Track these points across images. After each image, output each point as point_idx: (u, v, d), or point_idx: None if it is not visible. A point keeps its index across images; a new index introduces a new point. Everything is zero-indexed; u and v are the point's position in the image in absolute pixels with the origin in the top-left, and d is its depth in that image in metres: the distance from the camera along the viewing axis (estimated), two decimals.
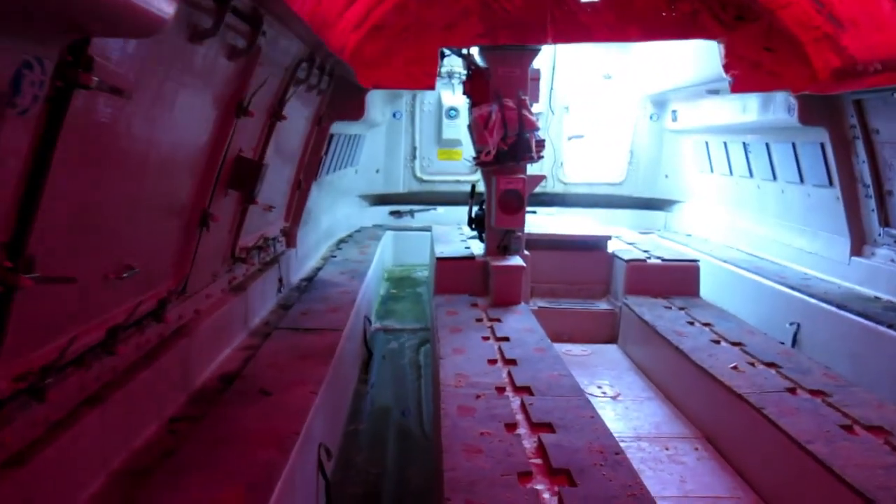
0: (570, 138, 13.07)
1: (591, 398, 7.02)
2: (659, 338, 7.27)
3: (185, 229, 4.40)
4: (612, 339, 8.97)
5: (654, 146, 13.07)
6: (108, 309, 3.44)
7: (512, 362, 6.01)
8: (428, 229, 12.60)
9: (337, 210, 11.65)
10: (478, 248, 9.34)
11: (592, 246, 9.67)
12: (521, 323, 7.31)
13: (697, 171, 12.19)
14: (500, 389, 5.40)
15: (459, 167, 13.23)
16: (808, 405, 5.27)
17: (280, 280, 7.31)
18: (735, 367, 6.08)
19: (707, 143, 11.52)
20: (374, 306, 9.97)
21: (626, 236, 11.13)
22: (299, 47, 5.40)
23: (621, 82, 12.81)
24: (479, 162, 8.56)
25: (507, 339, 6.69)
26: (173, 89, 3.45)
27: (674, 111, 12.31)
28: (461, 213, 12.91)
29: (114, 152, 3.10)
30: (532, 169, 9.16)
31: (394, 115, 12.90)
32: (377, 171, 13.10)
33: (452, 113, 12.88)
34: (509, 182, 8.47)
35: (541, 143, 8.78)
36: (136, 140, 3.27)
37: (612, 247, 9.77)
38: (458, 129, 12.88)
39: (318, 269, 9.03)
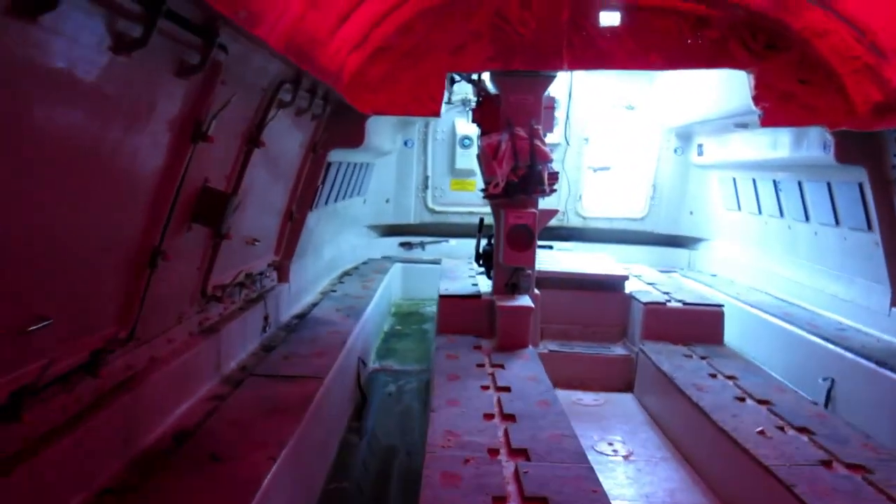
0: (595, 170, 12.47)
1: (599, 457, 6.40)
2: (677, 391, 6.61)
3: (131, 269, 3.86)
4: (627, 388, 8.30)
5: (679, 181, 12.43)
6: (9, 369, 2.89)
7: (510, 418, 5.39)
8: (439, 262, 12.06)
9: (342, 241, 11.13)
10: (486, 285, 8.75)
11: (609, 286, 9.03)
12: (525, 370, 6.69)
13: (724, 208, 11.53)
14: (493, 452, 4.78)
15: (473, 198, 12.61)
16: (846, 484, 4.58)
17: (266, 318, 6.77)
18: (762, 432, 5.40)
19: (735, 179, 10.88)
20: (375, 345, 9.39)
21: (646, 275, 10.48)
22: (279, 67, 4.89)
23: (644, 113, 12.22)
24: (488, 194, 8.01)
25: (508, 389, 6.08)
26: (99, 106, 2.94)
27: (699, 145, 11.69)
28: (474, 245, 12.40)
29: (17, 180, 2.58)
30: (545, 203, 8.59)
31: (405, 144, 12.42)
32: (387, 201, 12.59)
33: (466, 142, 12.36)
34: (519, 216, 7.89)
35: (554, 176, 8.21)
36: (51, 163, 2.75)
37: (629, 287, 9.12)
38: (472, 158, 12.25)
39: (315, 304, 8.48)
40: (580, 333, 8.93)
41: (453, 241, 12.80)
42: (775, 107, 7.46)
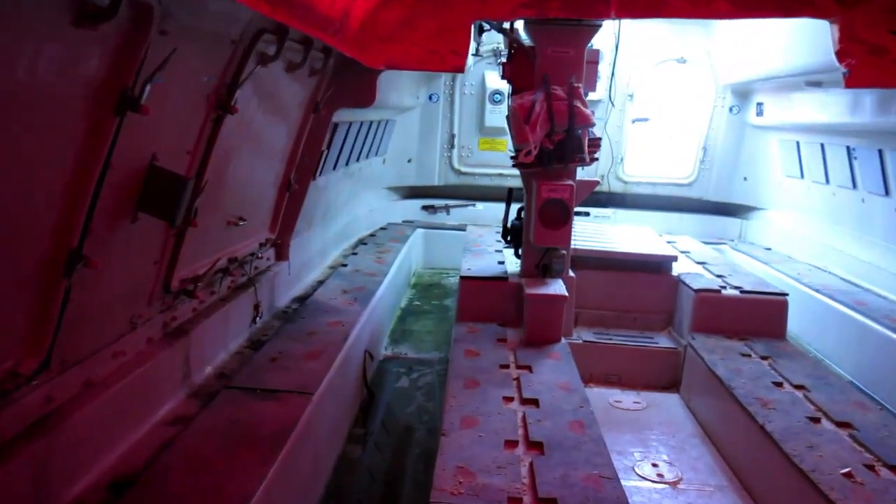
0: (633, 121, 11.24)
1: (641, 483, 5.46)
2: (736, 404, 5.58)
3: (42, 279, 2.92)
4: (672, 385, 7.30)
5: (733, 143, 11.16)
6: None
7: (537, 447, 4.44)
8: (464, 229, 11.04)
9: (357, 205, 10.14)
10: (514, 263, 7.75)
11: (653, 268, 7.95)
12: (557, 374, 5.71)
13: (784, 174, 10.29)
14: (515, 502, 3.84)
15: (503, 159, 11.47)
16: None
17: (256, 307, 5.85)
18: (849, 475, 4.38)
19: (798, 143, 9.62)
20: (388, 328, 8.45)
21: (693, 250, 9.36)
22: (254, 13, 3.85)
23: (698, 67, 10.92)
24: (518, 163, 6.93)
25: (535, 402, 5.11)
26: None
27: (759, 104, 10.40)
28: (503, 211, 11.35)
29: None
30: (584, 173, 7.50)
31: (430, 98, 11.29)
32: (409, 161, 11.53)
33: (497, 97, 11.20)
34: (553, 189, 6.82)
35: (595, 143, 7.09)
36: None
37: (677, 268, 8.03)
38: (503, 116, 11.19)
39: (321, 282, 7.55)
40: (619, 320, 7.90)
41: (480, 206, 11.77)
42: (863, 64, 6.19)
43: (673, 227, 11.29)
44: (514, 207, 7.64)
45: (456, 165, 11.67)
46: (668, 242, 9.62)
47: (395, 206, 11.70)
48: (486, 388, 5.36)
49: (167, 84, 3.28)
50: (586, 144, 6.90)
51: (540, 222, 6.84)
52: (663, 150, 11.44)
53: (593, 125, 6.93)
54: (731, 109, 11.01)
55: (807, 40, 7.65)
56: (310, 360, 5.21)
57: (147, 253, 3.94)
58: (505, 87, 11.02)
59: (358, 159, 8.81)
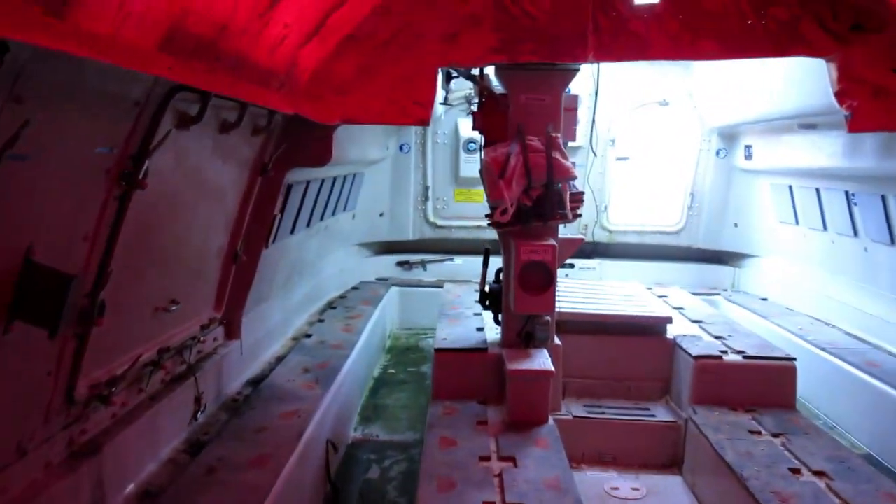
0: (617, 159, 10.64)
1: None
2: (750, 499, 4.85)
3: None
4: (673, 463, 6.56)
5: (721, 188, 10.60)
6: None
7: None
8: (441, 286, 10.34)
9: (325, 265, 9.44)
10: (494, 329, 7.05)
11: (647, 331, 7.27)
12: (546, 468, 4.96)
13: (777, 220, 9.71)
14: None
15: (481, 210, 10.82)
16: None
17: (198, 400, 5.08)
18: None
19: (791, 187, 9.07)
20: (359, 405, 7.66)
21: (687, 305, 8.70)
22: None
23: (681, 109, 10.39)
24: (494, 222, 6.27)
25: None
26: None
27: (748, 147, 9.86)
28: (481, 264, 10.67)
29: None
30: (566, 229, 6.86)
31: (400, 149, 10.67)
32: (381, 215, 10.86)
33: (472, 146, 10.61)
34: (533, 251, 6.15)
35: (578, 197, 6.45)
36: None
37: (672, 329, 7.35)
38: (478, 164, 10.58)
39: (281, 358, 6.80)
40: (612, 390, 7.18)
41: (459, 260, 11.11)
42: (867, 106, 5.65)
43: (662, 278, 10.67)
44: (494, 266, 6.96)
45: (431, 218, 11.02)
46: (660, 297, 8.97)
47: (368, 263, 11.00)
48: (464, 489, 4.62)
49: (41, 161, 2.59)
50: (568, 199, 6.27)
51: (520, 287, 6.15)
52: (649, 197, 10.86)
53: (574, 178, 6.30)
54: (717, 153, 10.47)
55: (799, 80, 7.12)
56: (255, 468, 4.44)
57: (36, 364, 3.21)
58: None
59: (322, 218, 8.13)
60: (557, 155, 6.21)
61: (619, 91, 10.07)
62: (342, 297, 9.67)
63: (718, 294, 10.39)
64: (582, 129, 8.76)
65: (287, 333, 7.64)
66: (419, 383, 8.50)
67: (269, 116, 5.04)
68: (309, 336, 7.56)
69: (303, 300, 8.37)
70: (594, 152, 8.72)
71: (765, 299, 9.99)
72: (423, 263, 11.08)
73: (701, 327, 7.70)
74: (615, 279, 10.38)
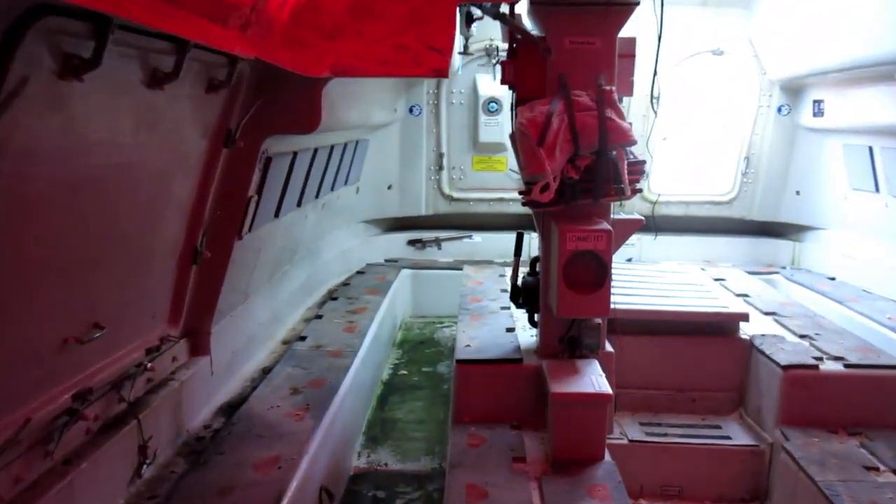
0: (664, 139, 9.22)
1: None
2: None
3: None
4: (754, 497, 5.29)
5: (782, 151, 9.14)
6: None
7: None
8: (459, 268, 9.04)
9: (325, 248, 8.13)
10: (528, 330, 5.75)
11: (716, 330, 5.93)
12: None
13: (851, 187, 8.27)
14: None
15: (503, 180, 9.57)
16: None
17: (143, 449, 3.80)
18: None
19: (871, 148, 7.62)
20: (363, 422, 6.38)
21: (751, 290, 7.35)
22: None
23: (737, 59, 8.90)
24: (529, 200, 4.91)
25: None
26: None
27: (817, 102, 8.38)
28: (507, 242, 9.33)
29: None
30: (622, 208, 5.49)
31: (410, 111, 9.25)
32: (389, 188, 9.49)
33: (493, 106, 9.18)
34: (583, 237, 4.80)
35: (637, 167, 5.07)
36: None
37: (746, 326, 6.01)
38: (502, 127, 9.21)
39: (267, 371, 5.52)
40: (673, 403, 5.88)
41: (478, 237, 9.76)
42: None
43: (710, 254, 9.33)
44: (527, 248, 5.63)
45: (446, 190, 9.64)
46: (717, 280, 7.63)
47: (375, 242, 9.65)
48: None
49: None
50: (625, 170, 4.89)
51: (565, 284, 4.80)
52: (697, 163, 9.40)
53: (633, 143, 4.92)
54: (779, 110, 8.99)
55: (889, 20, 5.71)
56: None
57: None
58: (504, 93, 9.03)
59: (318, 195, 6.79)
60: (612, 114, 4.83)
61: (667, 39, 8.56)
62: (345, 283, 8.36)
63: (777, 272, 9.00)
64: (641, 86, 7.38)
65: (277, 336, 6.34)
66: (436, 388, 7.20)
67: (229, 67, 3.67)
68: (303, 338, 6.25)
69: (297, 292, 7.07)
70: (655, 111, 7.25)
71: (833, 279, 8.59)
72: (437, 242, 9.73)
73: (777, 321, 6.35)
74: (657, 257, 9.04)
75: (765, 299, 7.09)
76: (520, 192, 5.06)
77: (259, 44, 3.47)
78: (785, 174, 9.24)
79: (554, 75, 4.93)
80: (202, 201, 4.13)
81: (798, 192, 9.24)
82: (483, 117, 9.24)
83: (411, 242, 9.76)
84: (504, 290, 7.39)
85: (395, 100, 8.78)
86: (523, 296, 5.53)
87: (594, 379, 4.72)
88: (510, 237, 9.51)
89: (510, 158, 9.44)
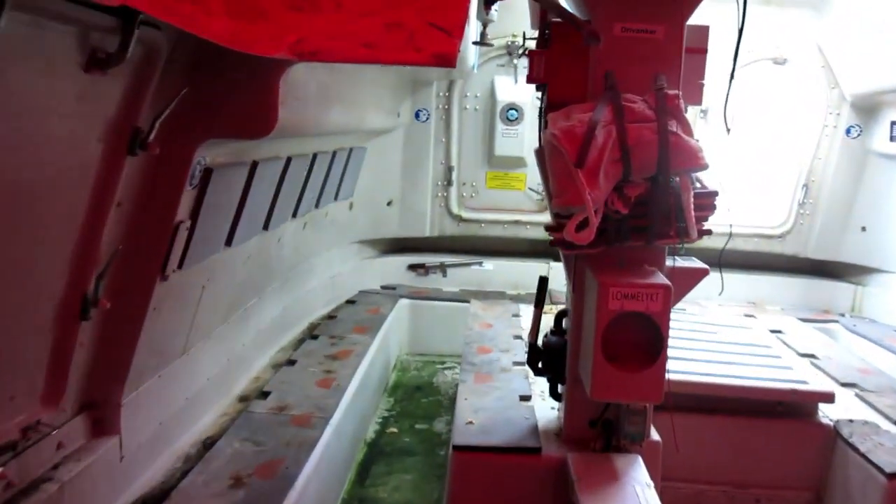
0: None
1: None
2: None
3: None
4: None
5: (848, 178, 7.83)
6: None
7: None
8: (466, 300, 7.80)
9: (309, 274, 6.90)
10: (548, 402, 4.47)
11: (788, 411, 4.61)
12: None
13: None
14: None
15: (520, 200, 8.32)
16: None
17: None
18: None
19: None
20: None
21: (798, 339, 6.06)
22: None
23: (802, 70, 7.61)
24: (559, 239, 3.64)
25: None
26: None
27: (895, 124, 7.10)
28: (522, 272, 8.11)
29: None
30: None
31: (416, 116, 7.99)
32: (389, 204, 8.23)
33: (513, 114, 7.92)
34: (631, 294, 3.51)
35: (707, 201, 3.78)
36: None
37: (829, 409, 4.69)
38: (522, 139, 7.96)
39: (210, 443, 4.26)
40: (731, 502, 4.56)
41: (489, 264, 8.49)
42: None
43: (756, 294, 8.05)
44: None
45: (455, 209, 8.37)
46: (773, 332, 6.34)
47: (370, 266, 8.39)
48: None
49: None
50: (691, 204, 3.62)
51: (603, 357, 3.52)
52: (746, 189, 8.07)
53: (705, 167, 3.63)
54: (847, 131, 7.68)
55: None
56: None
57: None
58: (526, 99, 7.79)
59: (296, 213, 5.55)
60: (676, 127, 3.56)
61: (719, 43, 7.29)
62: (330, 316, 7.10)
63: (835, 321, 7.69)
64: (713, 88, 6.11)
65: (233, 390, 5.08)
66: (430, 455, 5.91)
67: (122, 35, 2.43)
68: (265, 395, 4.99)
69: (267, 330, 5.82)
70: (728, 127, 5.88)
71: None
72: (442, 268, 8.46)
73: (860, 397, 5.04)
74: (694, 296, 7.72)
75: (837, 363, 5.78)
76: (547, 228, 3.78)
77: (177, 8, 2.22)
78: (849, 206, 7.92)
79: (599, 72, 3.68)
80: (95, 231, 2.88)
81: (864, 229, 7.91)
82: (501, 127, 7.96)
83: (412, 267, 8.49)
84: (518, 338, 6.13)
85: (398, 102, 7.53)
86: (544, 361, 4.25)
87: (639, 493, 3.43)
88: (526, 266, 8.39)
89: (530, 175, 8.19)
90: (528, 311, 7.22)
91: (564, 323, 4.25)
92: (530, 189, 8.22)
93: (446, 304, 8.00)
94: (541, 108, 4.03)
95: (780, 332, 6.54)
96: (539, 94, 4.09)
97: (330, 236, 7.27)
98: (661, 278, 3.60)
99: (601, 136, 3.49)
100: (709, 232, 3.77)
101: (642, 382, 3.53)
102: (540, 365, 4.28)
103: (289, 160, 4.77)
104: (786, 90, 7.66)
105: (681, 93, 3.68)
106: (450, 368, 7.78)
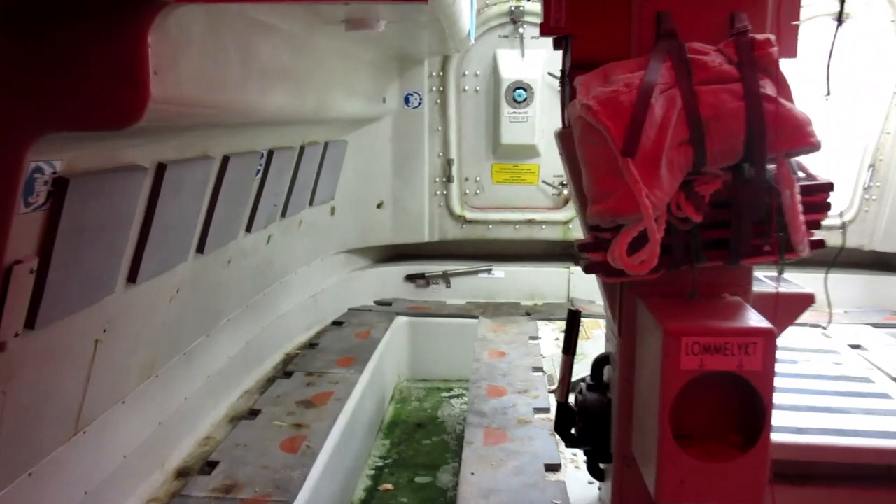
0: None
1: None
2: None
3: None
4: None
5: None
6: None
7: None
8: (473, 315, 6.63)
9: (282, 295, 5.72)
10: (584, 479, 3.26)
11: None
12: None
13: None
14: None
15: (533, 196, 7.11)
16: None
17: None
18: None
19: None
20: None
21: (883, 356, 4.83)
22: None
23: (868, 29, 6.36)
24: (598, 264, 2.43)
25: None
26: None
27: None
28: (537, 279, 6.94)
29: None
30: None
31: (406, 101, 6.77)
32: (379, 206, 7.02)
33: (520, 94, 6.69)
34: (715, 341, 2.28)
35: (820, 197, 2.56)
36: None
37: None
38: (532, 124, 6.73)
39: None
40: None
41: (500, 271, 7.29)
42: None
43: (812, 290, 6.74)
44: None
45: (457, 209, 7.15)
46: (853, 347, 5.11)
47: (361, 279, 7.19)
48: None
49: None
50: (797, 203, 2.40)
51: (674, 442, 2.30)
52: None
53: (816, 147, 2.41)
54: None
55: None
56: None
57: None
58: (533, 76, 6.59)
59: (251, 227, 4.37)
60: (770, 89, 2.35)
61: None
62: (311, 344, 5.92)
63: None
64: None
65: (167, 462, 3.89)
66: None
67: None
68: (211, 466, 3.81)
69: (222, 374, 4.63)
70: (829, 90, 4.51)
71: None
72: (445, 277, 7.25)
73: None
74: None
75: None
76: (581, 248, 2.55)
77: None
78: None
79: (647, 13, 2.48)
80: None
81: None
82: (507, 109, 6.72)
83: (410, 278, 7.29)
84: (539, 370, 4.93)
85: (383, 84, 6.32)
86: (579, 427, 3.03)
87: None
88: (542, 272, 7.18)
89: (544, 166, 6.97)
90: (547, 330, 6.08)
91: (606, 373, 3.04)
92: (545, 182, 7.00)
93: (451, 322, 6.81)
94: (563, 71, 2.82)
95: (859, 346, 5.30)
96: (560, 54, 2.87)
97: (307, 248, 6.08)
98: (758, 318, 2.39)
99: (660, 106, 2.28)
100: (821, 243, 2.55)
101: (735, 476, 2.32)
102: (573, 432, 3.07)
103: (225, 160, 3.57)
104: (849, 52, 6.37)
105: (773, 37, 2.47)
106: (457, 397, 6.61)
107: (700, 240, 2.46)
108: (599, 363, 3.05)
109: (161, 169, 2.91)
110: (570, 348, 3.05)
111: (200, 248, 3.66)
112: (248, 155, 3.89)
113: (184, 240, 3.42)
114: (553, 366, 4.95)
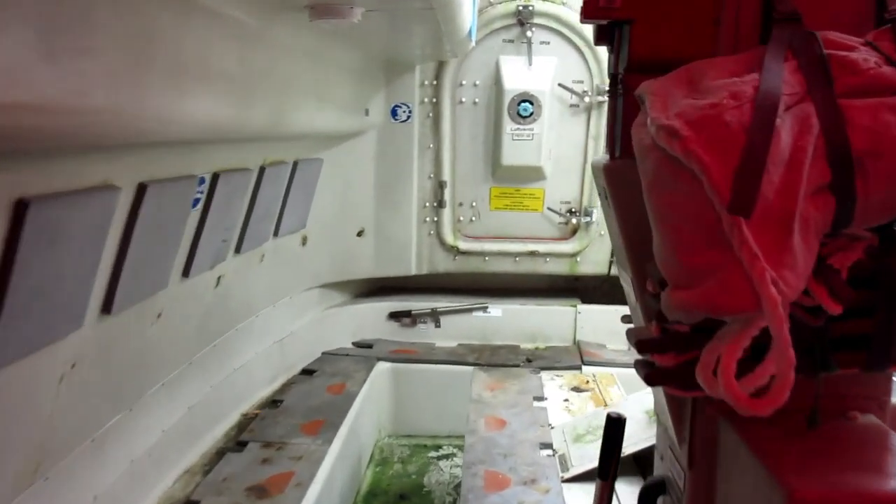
0: None
1: None
2: None
3: None
4: None
5: None
6: None
7: None
8: (466, 362, 5.75)
9: (240, 342, 4.79)
10: None
11: None
12: None
13: None
14: None
15: (537, 224, 6.23)
16: None
17: None
18: None
19: None
20: None
21: None
22: None
23: None
24: (664, 371, 1.52)
25: None
26: None
27: None
28: (539, 318, 6.10)
29: None
30: None
31: (392, 114, 5.86)
32: (360, 234, 6.11)
33: (526, 108, 5.79)
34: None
35: None
36: None
37: None
38: (538, 143, 5.85)
39: None
40: None
41: (496, 309, 6.38)
42: None
43: None
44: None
45: (449, 239, 6.25)
46: None
47: (337, 317, 6.26)
48: None
49: None
50: None
51: None
52: None
53: None
54: None
55: None
56: None
57: None
58: (542, 87, 5.75)
59: (189, 270, 3.46)
60: None
61: None
62: (273, 402, 4.99)
63: None
64: None
65: None
66: None
67: None
68: None
69: (151, 455, 3.69)
70: None
71: None
72: (434, 315, 6.34)
73: None
74: None
75: None
76: (640, 346, 1.64)
77: None
78: None
79: None
80: None
81: None
82: (510, 126, 5.82)
83: (394, 316, 6.37)
84: (548, 448, 4.00)
85: (366, 94, 5.42)
86: None
87: None
88: (545, 311, 6.30)
89: (549, 190, 6.10)
90: (554, 386, 5.17)
91: (661, 493, 2.14)
92: (550, 209, 6.12)
93: (440, 369, 5.90)
94: (613, 77, 1.93)
95: None
96: (611, 54, 2.00)
97: (272, 285, 5.16)
98: None
99: (788, 131, 1.39)
100: None
101: None
102: None
103: (141, 189, 2.66)
104: None
105: None
106: (447, 458, 5.71)
107: (828, 337, 1.57)
108: (650, 492, 2.15)
109: (20, 207, 2.00)
110: (608, 472, 2.14)
111: (107, 308, 2.74)
112: (178, 181, 2.98)
113: (75, 302, 2.50)
114: (564, 440, 4.04)
